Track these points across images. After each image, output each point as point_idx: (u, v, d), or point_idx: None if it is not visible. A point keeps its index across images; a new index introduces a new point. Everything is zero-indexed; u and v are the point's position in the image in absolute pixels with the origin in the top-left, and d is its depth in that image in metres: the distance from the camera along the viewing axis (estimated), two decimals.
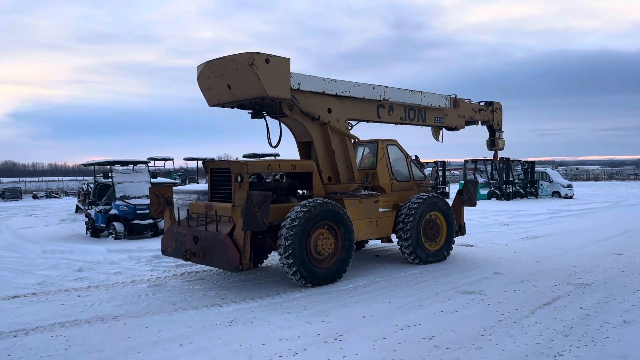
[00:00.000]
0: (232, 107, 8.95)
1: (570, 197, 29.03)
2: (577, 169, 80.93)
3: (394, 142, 10.40)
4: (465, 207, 10.96)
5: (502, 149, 13.44)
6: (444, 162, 31.23)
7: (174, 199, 9.60)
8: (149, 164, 20.18)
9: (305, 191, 9.37)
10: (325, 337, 5.44)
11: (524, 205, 23.89)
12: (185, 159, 30.51)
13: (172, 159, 29.70)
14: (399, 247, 9.68)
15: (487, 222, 17.28)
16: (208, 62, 8.37)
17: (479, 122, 12.72)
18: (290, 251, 7.60)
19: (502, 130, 13.38)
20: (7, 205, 32.00)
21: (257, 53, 7.78)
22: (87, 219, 14.85)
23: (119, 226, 13.45)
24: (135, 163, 15.26)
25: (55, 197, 40.87)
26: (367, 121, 10.23)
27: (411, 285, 7.90)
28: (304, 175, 9.08)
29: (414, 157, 10.89)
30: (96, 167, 15.54)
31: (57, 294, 7.73)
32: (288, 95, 8.20)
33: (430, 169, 32.08)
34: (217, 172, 8.50)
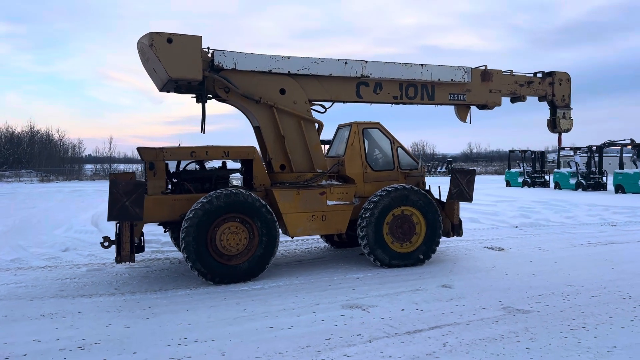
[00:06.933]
0: (175, 91, 8.63)
1: None
2: None
3: (375, 125, 9.01)
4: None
5: (566, 130, 10.82)
6: (600, 147, 26.43)
7: None
8: None
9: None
10: (72, 345, 4.88)
11: None
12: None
13: None
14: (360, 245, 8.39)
15: (588, 220, 14.15)
16: (137, 46, 8.17)
17: (527, 97, 10.41)
18: (184, 245, 7.08)
19: (571, 107, 10.76)
20: None
21: (157, 33, 7.33)
22: None
23: None
24: None
25: None
26: (344, 102, 9.04)
27: (312, 292, 6.74)
28: (249, 163, 8.38)
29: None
30: None
31: (4, 272, 8.33)
32: (199, 77, 7.58)
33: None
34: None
